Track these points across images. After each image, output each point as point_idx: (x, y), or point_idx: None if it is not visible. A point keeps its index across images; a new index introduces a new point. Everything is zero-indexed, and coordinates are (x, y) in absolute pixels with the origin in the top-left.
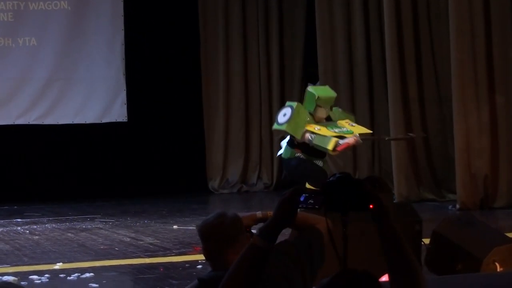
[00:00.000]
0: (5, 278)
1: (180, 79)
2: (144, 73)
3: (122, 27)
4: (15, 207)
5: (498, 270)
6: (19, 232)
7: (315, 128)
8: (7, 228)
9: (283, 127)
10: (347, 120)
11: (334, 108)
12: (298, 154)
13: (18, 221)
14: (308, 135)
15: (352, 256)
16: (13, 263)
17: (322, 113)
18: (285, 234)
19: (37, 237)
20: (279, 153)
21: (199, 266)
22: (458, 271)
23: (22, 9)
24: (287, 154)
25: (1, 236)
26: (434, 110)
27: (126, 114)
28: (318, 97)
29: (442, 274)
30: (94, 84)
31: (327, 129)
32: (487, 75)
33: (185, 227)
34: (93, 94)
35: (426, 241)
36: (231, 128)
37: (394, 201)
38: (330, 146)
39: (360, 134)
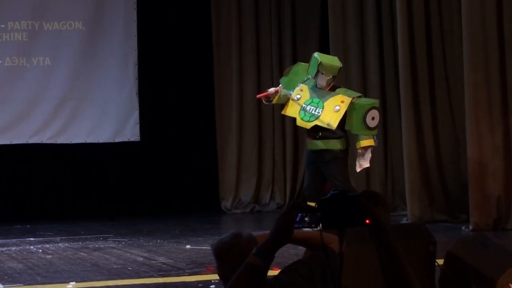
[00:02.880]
0: None
1: (193, 99)
2: (157, 93)
3: (136, 47)
4: (28, 226)
5: None
6: (32, 251)
7: (300, 90)
8: (20, 247)
9: (280, 80)
10: (342, 98)
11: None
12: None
13: (31, 240)
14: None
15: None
16: (26, 282)
17: (322, 80)
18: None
19: (50, 256)
20: None
21: (212, 286)
22: None
23: (36, 29)
24: None
25: (14, 255)
26: (447, 130)
27: (139, 134)
28: (320, 62)
29: None
30: (107, 103)
31: (303, 102)
32: (501, 96)
33: (198, 247)
34: (106, 114)
35: (440, 261)
36: (244, 147)
37: (407, 221)
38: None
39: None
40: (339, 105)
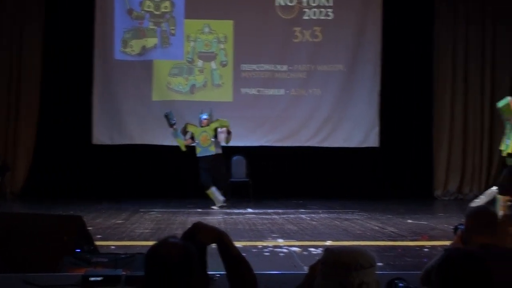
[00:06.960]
0: (293, 249)
1: (414, 111)
2: (394, 112)
3: (379, 81)
4: (301, 201)
5: None
6: (302, 219)
7: None
8: (295, 215)
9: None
10: None
11: None
12: None
13: (302, 211)
14: None
15: None
16: (298, 239)
17: None
18: None
19: (315, 222)
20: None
21: (426, 249)
22: None
23: (312, 70)
24: None
25: (291, 220)
26: None
27: (378, 141)
28: None
29: None
30: (358, 119)
31: None
32: None
33: (417, 222)
34: (356, 126)
35: None
36: (453, 154)
37: None
38: None
39: None
40: None
